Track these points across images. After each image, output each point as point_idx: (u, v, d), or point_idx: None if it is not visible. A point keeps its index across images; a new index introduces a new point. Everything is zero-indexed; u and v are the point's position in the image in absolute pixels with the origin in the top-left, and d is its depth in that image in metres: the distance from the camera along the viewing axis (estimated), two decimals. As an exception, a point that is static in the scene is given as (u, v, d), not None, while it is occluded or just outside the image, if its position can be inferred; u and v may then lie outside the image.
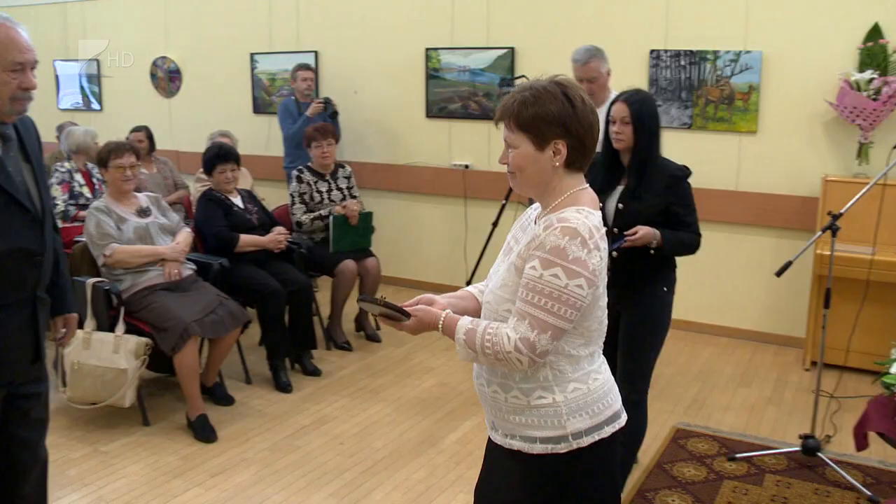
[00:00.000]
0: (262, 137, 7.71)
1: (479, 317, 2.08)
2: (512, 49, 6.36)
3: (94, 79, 9.14)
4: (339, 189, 5.71)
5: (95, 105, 9.20)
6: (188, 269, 4.52)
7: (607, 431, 2.02)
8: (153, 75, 8.63)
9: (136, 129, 6.74)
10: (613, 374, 2.17)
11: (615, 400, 2.07)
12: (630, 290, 3.30)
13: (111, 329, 4.13)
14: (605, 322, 2.07)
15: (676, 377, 5.04)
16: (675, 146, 5.66)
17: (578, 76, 4.34)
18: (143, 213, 4.51)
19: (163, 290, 4.33)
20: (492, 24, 6.45)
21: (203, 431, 4.17)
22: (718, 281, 5.80)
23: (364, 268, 5.60)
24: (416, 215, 6.88)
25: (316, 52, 7.35)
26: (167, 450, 4.06)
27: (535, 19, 6.22)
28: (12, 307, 2.47)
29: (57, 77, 9.41)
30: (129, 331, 4.18)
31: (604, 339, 2.08)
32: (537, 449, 1.99)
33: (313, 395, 4.75)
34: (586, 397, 1.99)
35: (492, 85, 6.50)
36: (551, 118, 1.92)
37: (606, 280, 2.03)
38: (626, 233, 3.20)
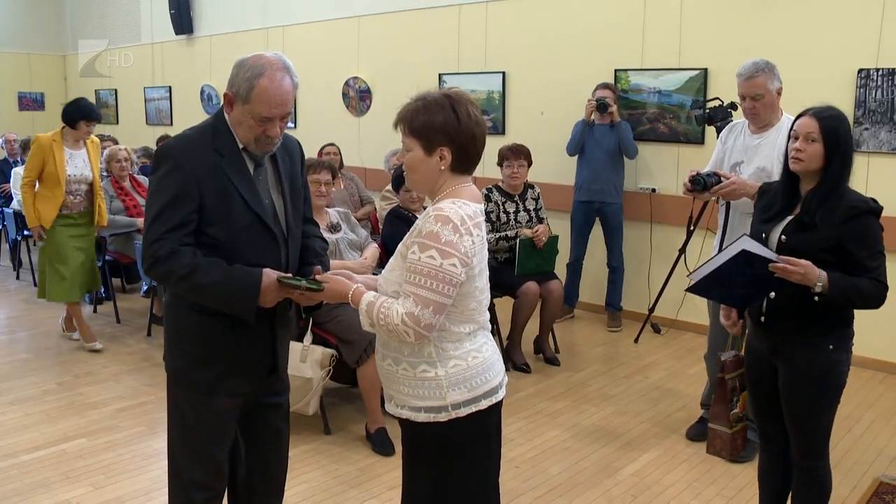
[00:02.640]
0: (447, 157, 7.83)
1: None
2: (705, 70, 6.15)
3: (291, 98, 9.60)
4: (527, 210, 5.68)
5: (289, 123, 9.66)
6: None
7: (484, 404, 2.26)
8: (345, 95, 8.98)
9: (328, 145, 7.03)
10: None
11: (494, 376, 2.30)
12: (786, 341, 2.87)
13: (299, 339, 4.27)
14: (485, 303, 2.30)
15: (877, 424, 4.64)
16: (885, 172, 5.31)
17: (741, 92, 3.95)
18: (333, 228, 4.65)
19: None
20: (684, 45, 6.27)
21: (382, 444, 4.23)
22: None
23: (547, 290, 5.55)
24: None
25: (503, 73, 7.42)
26: (346, 459, 4.15)
27: (730, 39, 5.99)
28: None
29: (257, 96, 9.96)
30: (315, 341, 4.31)
31: (486, 317, 2.32)
32: (421, 417, 2.25)
33: (489, 416, 4.72)
34: (465, 373, 2.24)
35: (682, 107, 6.31)
36: (437, 127, 2.17)
37: (486, 267, 2.29)
38: (782, 258, 2.71)
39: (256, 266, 2.46)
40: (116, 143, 8.55)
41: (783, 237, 2.83)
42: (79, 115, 5.78)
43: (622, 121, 6.38)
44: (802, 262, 2.69)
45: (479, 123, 2.23)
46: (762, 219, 2.94)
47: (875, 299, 2.73)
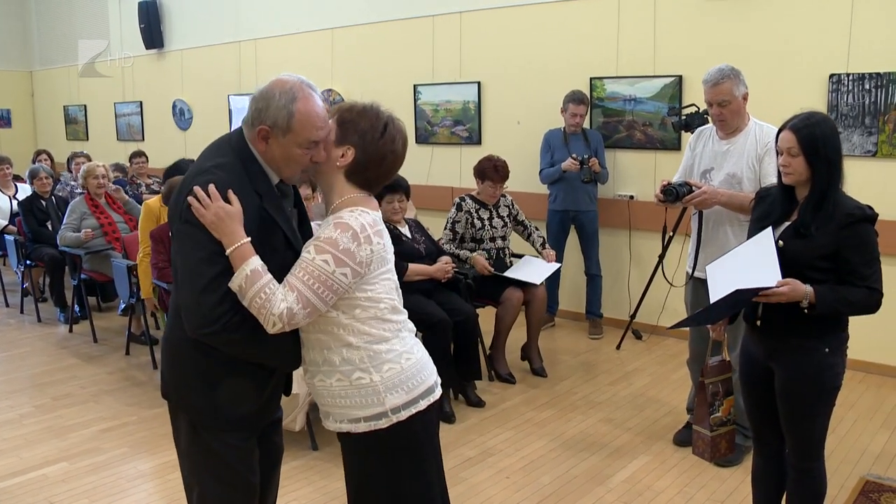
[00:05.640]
0: (423, 167, 7.83)
1: None
2: (679, 77, 6.19)
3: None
4: (501, 217, 5.69)
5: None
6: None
7: (423, 405, 2.29)
8: (319, 107, 8.92)
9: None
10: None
11: (429, 376, 2.34)
12: (782, 345, 2.90)
13: (284, 354, 4.22)
14: (399, 302, 2.35)
15: (860, 423, 4.69)
16: (858, 175, 5.35)
17: (707, 99, 3.96)
18: (315, 241, 4.61)
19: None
20: (658, 53, 6.31)
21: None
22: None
23: (531, 293, 5.54)
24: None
25: (479, 83, 7.42)
26: (334, 475, 4.10)
27: (704, 46, 6.03)
28: None
29: (230, 111, 9.90)
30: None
31: (404, 316, 2.37)
32: (362, 428, 2.25)
33: (477, 427, 4.71)
34: (400, 375, 2.26)
35: (657, 114, 6.35)
36: (358, 129, 2.23)
37: (394, 269, 2.33)
38: (761, 288, 2.74)
39: None
40: (90, 159, 8.48)
41: (780, 242, 2.85)
42: None
43: (596, 143, 6.44)
44: (784, 287, 2.72)
45: (396, 154, 2.28)
46: (760, 226, 2.96)
47: (868, 307, 2.78)
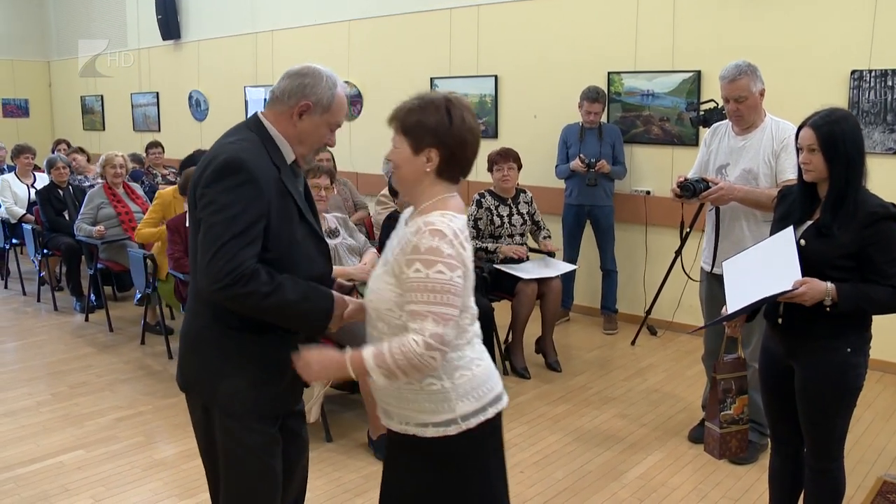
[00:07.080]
0: (439, 161, 7.80)
1: None
2: (698, 72, 6.15)
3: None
4: (520, 214, 5.67)
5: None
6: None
7: (491, 413, 2.22)
8: (336, 100, 8.92)
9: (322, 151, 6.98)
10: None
11: (496, 384, 2.27)
12: (804, 344, 2.87)
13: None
14: (474, 312, 2.25)
15: (877, 423, 4.65)
16: (879, 173, 5.30)
17: (724, 95, 3.95)
18: (331, 234, 4.62)
19: (349, 309, 4.40)
20: (677, 48, 6.27)
21: (384, 451, 4.18)
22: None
23: (546, 286, 5.53)
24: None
25: (496, 77, 7.40)
26: (349, 467, 4.12)
27: (723, 41, 5.99)
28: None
29: (246, 102, 9.92)
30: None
31: (477, 326, 2.27)
32: (430, 433, 2.18)
33: (491, 421, 4.70)
34: (472, 382, 2.19)
35: (675, 109, 6.31)
36: (428, 128, 2.13)
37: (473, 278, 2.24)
38: (785, 290, 2.71)
39: (317, 276, 2.41)
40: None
41: (802, 241, 2.82)
42: None
43: (613, 138, 6.43)
44: (803, 287, 2.69)
45: (473, 130, 2.18)
46: (782, 226, 2.94)
47: (893, 306, 2.73)
